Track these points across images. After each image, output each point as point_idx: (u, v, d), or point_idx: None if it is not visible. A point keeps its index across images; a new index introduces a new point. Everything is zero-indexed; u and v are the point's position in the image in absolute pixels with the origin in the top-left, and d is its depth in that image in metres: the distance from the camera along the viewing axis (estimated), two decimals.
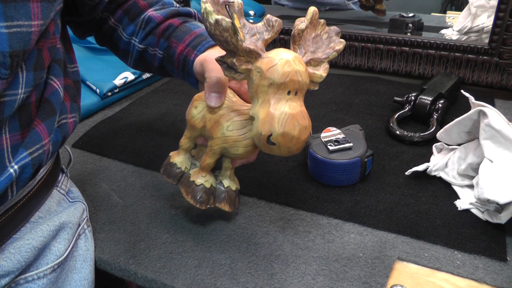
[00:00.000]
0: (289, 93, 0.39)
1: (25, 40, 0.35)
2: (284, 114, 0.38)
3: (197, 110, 0.46)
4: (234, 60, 0.39)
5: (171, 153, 0.51)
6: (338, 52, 0.44)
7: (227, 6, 0.39)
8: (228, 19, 0.37)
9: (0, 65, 0.33)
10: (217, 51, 0.48)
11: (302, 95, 0.40)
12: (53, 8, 0.37)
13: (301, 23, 0.41)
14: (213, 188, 0.47)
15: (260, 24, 0.41)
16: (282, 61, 0.38)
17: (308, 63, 0.42)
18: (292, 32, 0.41)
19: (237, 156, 0.45)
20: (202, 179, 0.47)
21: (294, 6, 1.21)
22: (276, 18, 0.40)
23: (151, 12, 0.54)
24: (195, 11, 0.57)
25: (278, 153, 0.40)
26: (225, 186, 0.48)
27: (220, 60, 0.40)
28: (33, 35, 0.35)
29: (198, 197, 0.46)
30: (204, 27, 0.52)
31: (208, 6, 0.37)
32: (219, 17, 0.37)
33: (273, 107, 0.39)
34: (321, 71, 0.43)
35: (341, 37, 0.45)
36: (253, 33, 0.40)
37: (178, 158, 0.49)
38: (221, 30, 0.37)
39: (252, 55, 0.39)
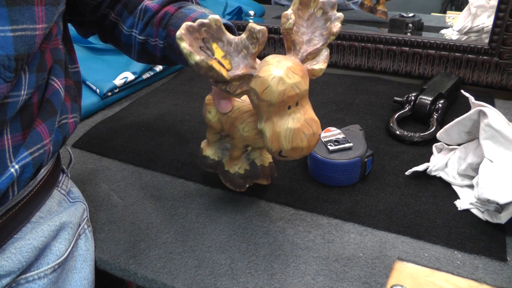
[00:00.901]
0: (289, 107, 0.38)
1: (30, 44, 0.35)
2: (288, 131, 0.38)
3: (211, 115, 0.48)
4: (228, 88, 0.39)
5: (202, 145, 0.53)
6: (336, 35, 0.40)
7: (203, 44, 0.38)
8: (207, 61, 0.36)
9: (6, 69, 0.33)
10: None
11: (305, 99, 0.40)
12: (57, 11, 0.38)
13: (288, 21, 0.39)
14: (247, 171, 0.50)
15: (244, 36, 0.39)
16: (275, 80, 0.37)
17: (306, 58, 0.40)
18: (281, 31, 0.40)
19: (261, 147, 0.48)
20: (235, 167, 0.50)
21: None
22: (259, 27, 0.37)
23: (147, 2, 0.54)
24: None
25: (291, 159, 0.41)
26: (258, 165, 0.51)
27: (216, 86, 0.39)
28: (38, 38, 0.35)
29: (236, 183, 0.50)
30: (201, 10, 0.51)
31: (185, 47, 0.35)
32: (198, 58, 0.35)
33: (277, 125, 0.39)
34: (321, 64, 0.40)
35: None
36: (239, 50, 0.39)
37: (209, 151, 0.52)
38: (204, 70, 0.36)
39: (245, 78, 0.38)
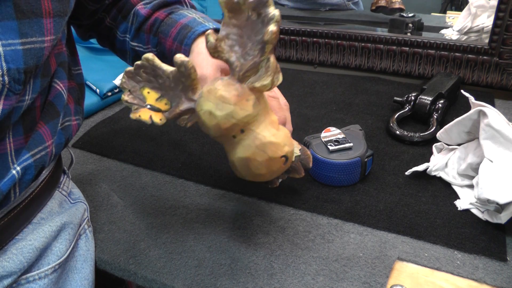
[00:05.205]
0: (234, 136, 0.36)
1: (38, 56, 0.35)
2: (240, 161, 0.36)
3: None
4: (179, 123, 0.39)
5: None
6: (272, 42, 0.31)
7: (133, 94, 0.38)
8: (133, 115, 0.37)
9: (16, 82, 0.33)
10: (202, 47, 0.47)
11: (254, 123, 0.35)
12: (64, 22, 0.37)
13: (208, 43, 0.34)
14: None
15: (175, 70, 0.36)
16: (206, 115, 0.35)
17: (245, 77, 0.34)
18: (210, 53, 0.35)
19: None
20: None
21: (295, 6, 1.21)
22: (181, 60, 0.35)
23: (139, 6, 0.54)
24: None
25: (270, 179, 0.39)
26: None
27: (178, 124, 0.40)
28: (46, 50, 0.35)
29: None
30: (191, 16, 0.50)
31: (124, 99, 0.37)
32: (144, 118, 0.37)
33: (230, 155, 0.37)
34: (263, 79, 0.34)
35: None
36: (177, 81, 0.36)
37: None
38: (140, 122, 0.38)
39: (188, 113, 0.37)
